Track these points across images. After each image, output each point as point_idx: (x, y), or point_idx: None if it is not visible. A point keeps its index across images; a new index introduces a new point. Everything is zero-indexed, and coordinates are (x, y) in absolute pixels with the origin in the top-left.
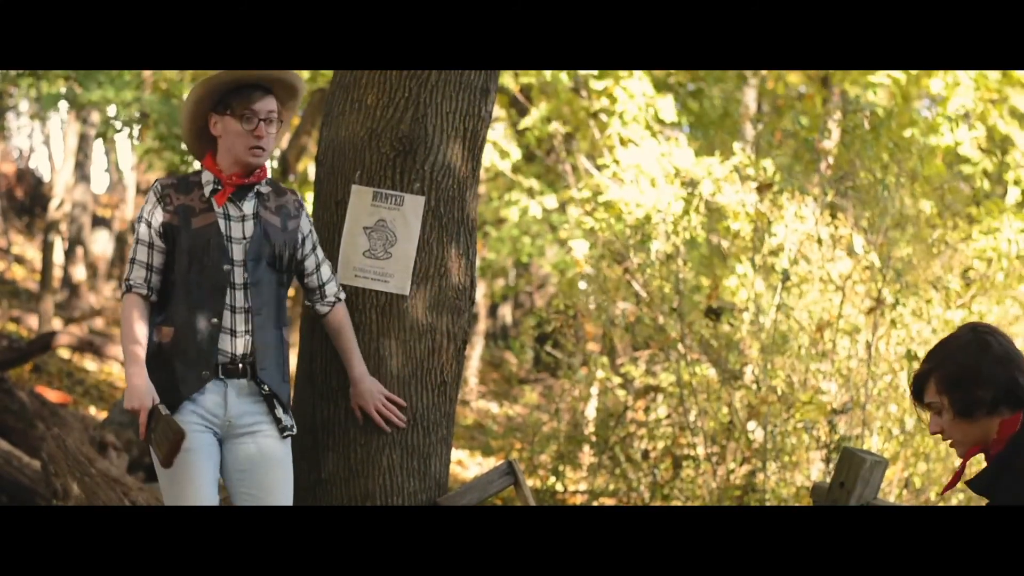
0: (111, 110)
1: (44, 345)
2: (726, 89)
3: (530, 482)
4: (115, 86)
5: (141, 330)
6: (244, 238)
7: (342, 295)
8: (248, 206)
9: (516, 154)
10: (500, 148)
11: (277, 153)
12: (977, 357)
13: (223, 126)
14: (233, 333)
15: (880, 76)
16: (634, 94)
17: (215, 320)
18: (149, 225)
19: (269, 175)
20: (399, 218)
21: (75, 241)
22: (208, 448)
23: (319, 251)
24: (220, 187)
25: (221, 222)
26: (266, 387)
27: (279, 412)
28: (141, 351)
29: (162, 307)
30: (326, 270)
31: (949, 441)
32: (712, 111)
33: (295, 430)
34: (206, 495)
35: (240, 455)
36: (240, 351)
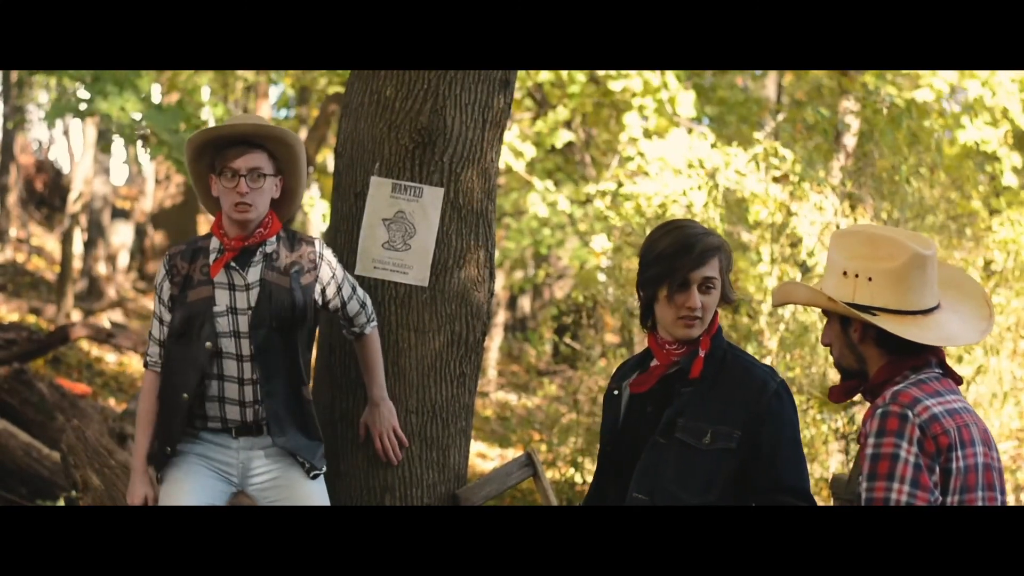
0: (120, 119)
1: (63, 336)
2: (745, 77)
3: (549, 474)
4: (123, 97)
5: (149, 412)
6: (248, 308)
7: (370, 327)
8: (253, 272)
9: (530, 152)
10: (514, 148)
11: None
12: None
13: (217, 187)
14: (242, 404)
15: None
16: (656, 88)
17: (184, 396)
18: (160, 299)
19: (282, 230)
20: (418, 210)
21: (94, 233)
22: (205, 478)
23: (345, 289)
24: (222, 253)
25: (223, 294)
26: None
27: (301, 458)
28: (145, 439)
29: None
30: (353, 305)
31: (693, 319)
32: (732, 97)
33: (324, 469)
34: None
35: (267, 489)
36: (251, 419)
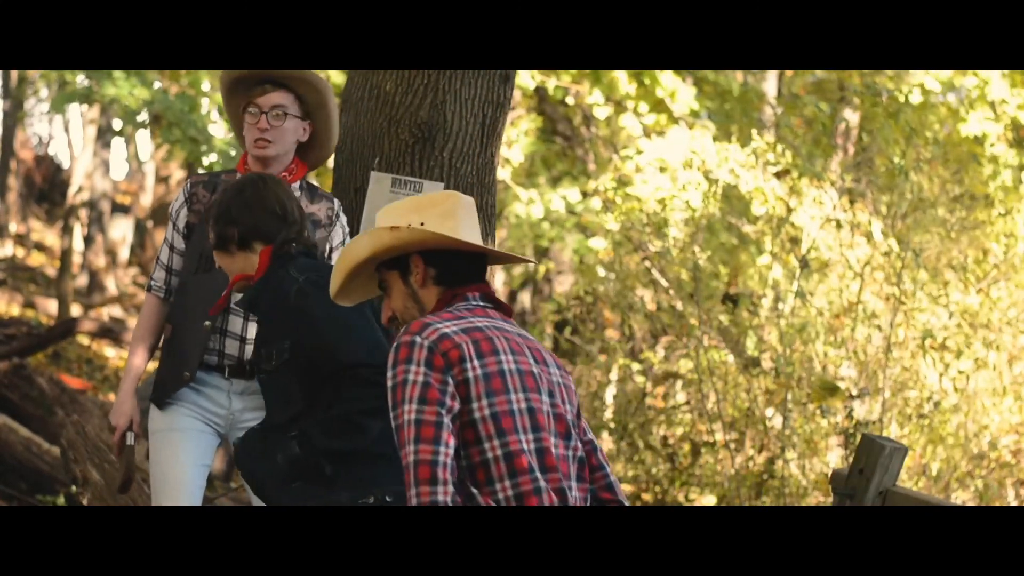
0: (129, 103)
1: (64, 331)
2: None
3: None
4: (130, 83)
5: (147, 336)
6: None
7: None
8: None
9: (517, 158)
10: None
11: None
12: (230, 200)
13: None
14: (243, 340)
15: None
16: (650, 95)
17: (207, 323)
18: (174, 226)
19: (306, 178)
20: None
21: (94, 228)
22: (196, 433)
23: None
24: None
25: None
26: None
27: None
28: (139, 362)
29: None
30: None
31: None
32: (732, 89)
33: None
34: (189, 474)
35: None
36: (248, 357)
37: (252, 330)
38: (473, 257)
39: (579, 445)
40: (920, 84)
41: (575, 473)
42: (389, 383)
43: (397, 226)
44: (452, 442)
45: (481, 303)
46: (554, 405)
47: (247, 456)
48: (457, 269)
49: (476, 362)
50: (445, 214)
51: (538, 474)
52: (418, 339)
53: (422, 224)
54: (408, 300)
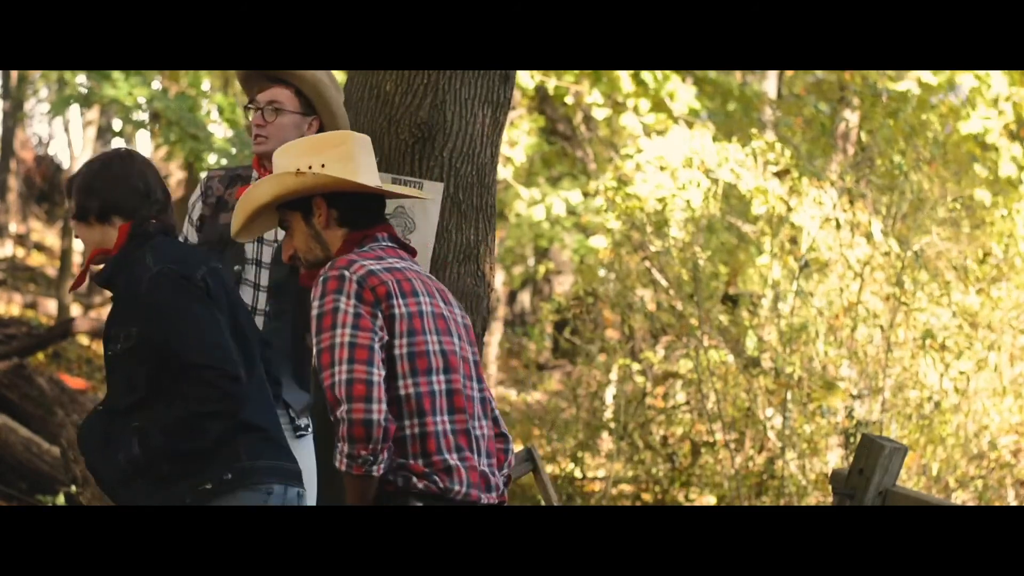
0: (128, 103)
1: (64, 331)
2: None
3: (549, 469)
4: (129, 83)
5: None
6: (275, 240)
7: None
8: None
9: (519, 157)
10: (503, 155)
11: None
12: (95, 172)
13: None
14: (252, 311)
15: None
16: (655, 91)
17: None
18: (189, 218)
19: None
20: (418, 205)
21: None
22: None
23: None
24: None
25: None
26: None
27: (292, 413)
28: None
29: None
30: None
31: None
32: (732, 89)
33: (309, 431)
34: None
35: None
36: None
37: (260, 326)
38: (373, 198)
39: (482, 386)
40: (917, 78)
41: (480, 412)
42: (315, 311)
43: (301, 171)
44: (383, 368)
45: (390, 243)
46: (461, 348)
47: (90, 448)
48: (359, 210)
49: (400, 300)
50: (344, 156)
51: (445, 416)
52: (347, 273)
53: (323, 166)
54: (311, 240)
